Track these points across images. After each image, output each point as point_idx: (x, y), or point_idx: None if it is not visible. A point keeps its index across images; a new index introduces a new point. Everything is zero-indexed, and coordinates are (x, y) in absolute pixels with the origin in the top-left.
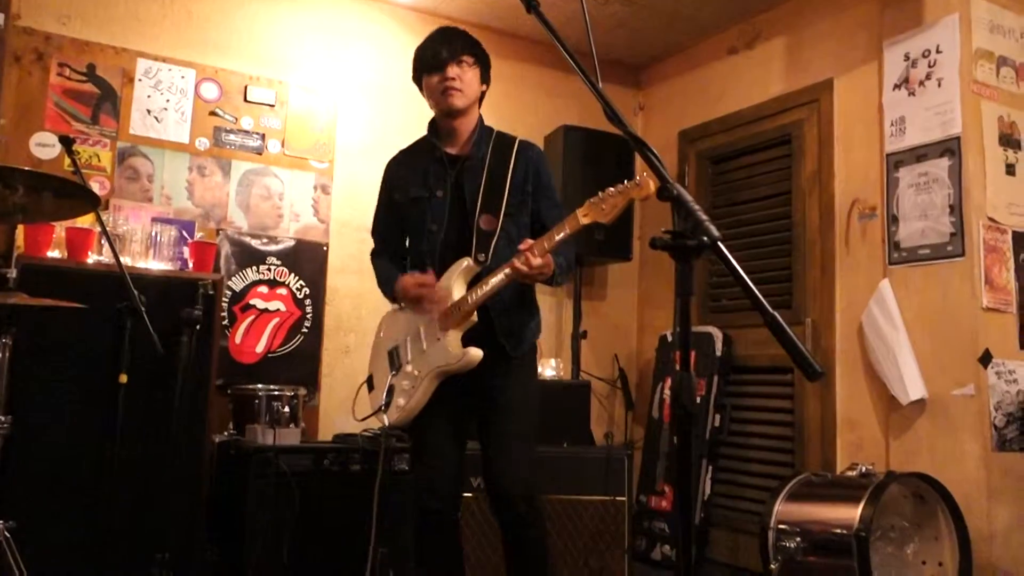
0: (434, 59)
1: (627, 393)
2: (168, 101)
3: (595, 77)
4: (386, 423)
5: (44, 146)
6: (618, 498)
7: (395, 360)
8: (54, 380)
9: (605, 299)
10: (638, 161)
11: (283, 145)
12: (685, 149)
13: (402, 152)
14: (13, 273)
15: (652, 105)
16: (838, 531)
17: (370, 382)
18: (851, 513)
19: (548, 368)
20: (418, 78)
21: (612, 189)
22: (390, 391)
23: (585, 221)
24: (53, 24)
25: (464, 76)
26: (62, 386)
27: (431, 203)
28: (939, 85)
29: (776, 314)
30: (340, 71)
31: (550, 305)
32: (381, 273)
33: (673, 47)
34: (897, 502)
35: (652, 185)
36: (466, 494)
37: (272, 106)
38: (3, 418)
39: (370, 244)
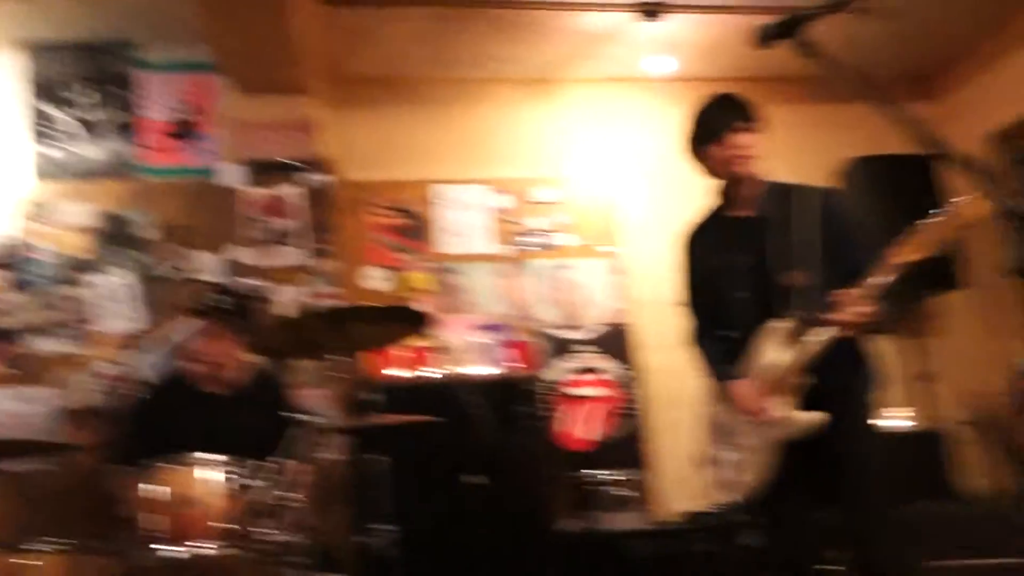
0: (716, 129)
1: (990, 436)
2: (468, 218)
3: (890, 100)
4: (729, 499)
5: (372, 279)
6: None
7: (729, 433)
8: (415, 486)
9: (944, 334)
10: (948, 179)
11: (573, 237)
12: (996, 153)
13: (695, 223)
14: (377, 396)
15: (946, 114)
16: None
17: (705, 458)
18: None
19: (892, 417)
20: (696, 148)
21: (931, 220)
22: (729, 465)
23: (903, 260)
24: (363, 172)
25: (750, 141)
26: (424, 491)
27: (733, 270)
28: None
29: None
30: (615, 154)
31: (884, 350)
32: (710, 367)
33: (962, 49)
34: None
35: (981, 209)
36: (829, 567)
37: (557, 203)
38: (391, 528)
39: (678, 317)
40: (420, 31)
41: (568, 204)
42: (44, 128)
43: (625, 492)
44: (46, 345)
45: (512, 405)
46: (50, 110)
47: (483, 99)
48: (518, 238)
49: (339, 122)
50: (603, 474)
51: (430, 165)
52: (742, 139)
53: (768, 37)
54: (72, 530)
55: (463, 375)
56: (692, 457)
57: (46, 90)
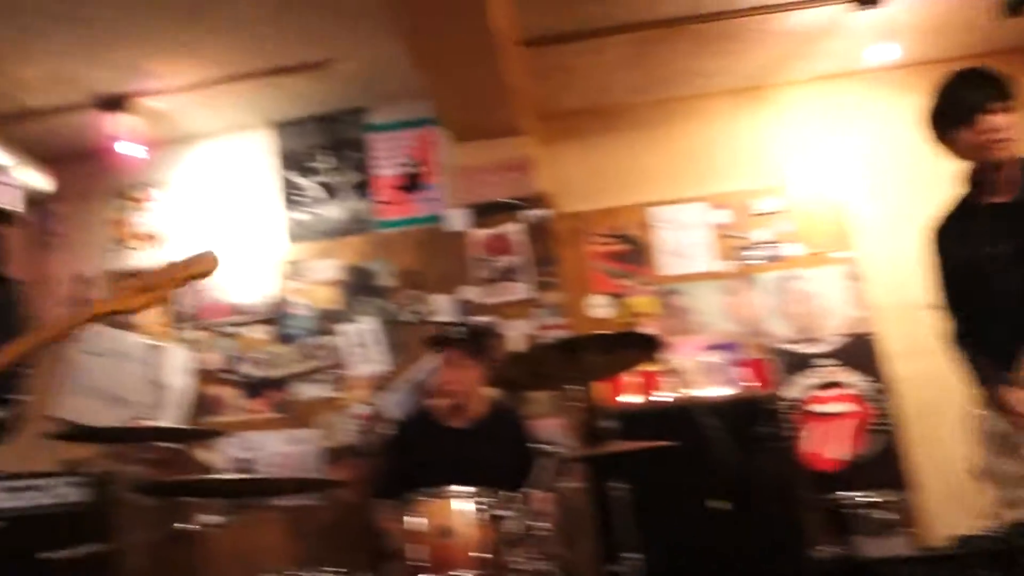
0: (967, 110)
1: None
2: (688, 237)
3: None
4: (1011, 518)
5: (597, 307)
6: None
7: (1009, 443)
8: (658, 513)
9: None
10: None
11: (801, 246)
12: None
13: (943, 215)
14: (613, 424)
15: None
16: None
17: (980, 472)
18: None
19: None
20: (942, 131)
21: None
22: (1010, 480)
23: None
24: (579, 203)
25: (1007, 122)
26: (668, 518)
27: (994, 261)
28: None
29: None
30: (838, 154)
31: None
32: (976, 371)
33: None
34: None
35: None
36: None
37: (781, 212)
38: (636, 556)
39: (931, 320)
40: (622, 59)
41: (792, 212)
42: (293, 195)
43: (885, 514)
44: (308, 391)
45: (752, 426)
46: (297, 179)
47: (692, 116)
48: (742, 252)
49: (552, 157)
50: (858, 496)
51: (644, 188)
52: (998, 120)
53: (1018, 6)
54: (342, 560)
55: (698, 397)
56: (965, 472)
57: (292, 161)
